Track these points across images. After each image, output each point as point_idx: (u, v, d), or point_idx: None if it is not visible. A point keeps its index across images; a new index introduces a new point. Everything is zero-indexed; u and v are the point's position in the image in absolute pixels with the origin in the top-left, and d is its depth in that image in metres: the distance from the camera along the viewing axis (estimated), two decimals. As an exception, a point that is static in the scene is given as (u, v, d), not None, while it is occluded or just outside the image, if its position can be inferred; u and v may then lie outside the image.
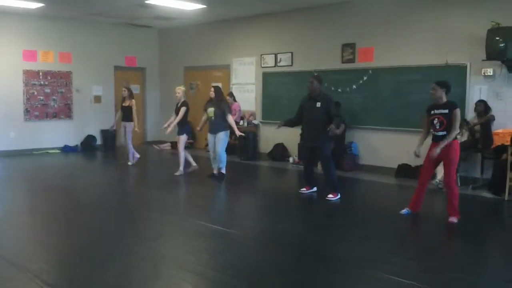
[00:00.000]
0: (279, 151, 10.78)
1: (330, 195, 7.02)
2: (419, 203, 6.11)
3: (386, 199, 7.54)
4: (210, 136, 8.40)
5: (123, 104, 9.96)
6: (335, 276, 4.21)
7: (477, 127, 7.84)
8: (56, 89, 12.09)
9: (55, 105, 12.11)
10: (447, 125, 5.70)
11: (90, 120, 12.50)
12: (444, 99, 5.80)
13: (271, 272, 4.29)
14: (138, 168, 9.92)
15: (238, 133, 8.33)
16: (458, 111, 5.73)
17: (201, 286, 4.07)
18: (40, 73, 11.81)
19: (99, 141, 12.66)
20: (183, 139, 8.95)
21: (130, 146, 9.97)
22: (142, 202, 7.02)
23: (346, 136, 9.62)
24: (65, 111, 12.29)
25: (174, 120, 8.85)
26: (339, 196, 7.05)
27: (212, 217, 6.18)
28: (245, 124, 11.40)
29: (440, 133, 5.77)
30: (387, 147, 9.20)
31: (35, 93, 11.77)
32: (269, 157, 10.86)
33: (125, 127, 9.92)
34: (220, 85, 12.21)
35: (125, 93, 9.95)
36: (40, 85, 11.83)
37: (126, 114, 9.88)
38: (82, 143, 12.39)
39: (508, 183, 6.96)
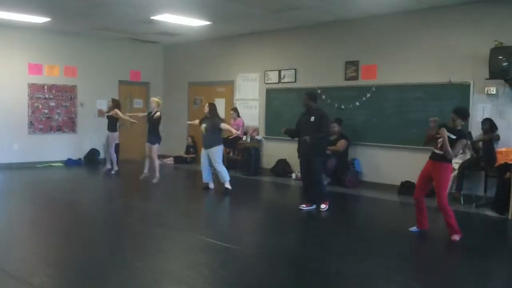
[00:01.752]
0: (282, 167, 10.76)
1: (322, 205, 7.33)
2: (423, 221, 6.07)
3: (388, 216, 7.50)
4: (203, 151, 8.73)
5: (107, 114, 10.67)
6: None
7: (480, 144, 7.83)
8: (61, 103, 12.16)
9: (59, 119, 12.17)
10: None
11: (93, 133, 12.53)
12: (459, 127, 5.85)
13: (272, 288, 4.26)
14: (140, 182, 9.91)
15: (234, 131, 8.78)
16: (463, 141, 5.87)
17: (200, 301, 4.04)
18: (45, 87, 11.89)
19: (102, 155, 12.68)
20: (155, 148, 9.55)
21: (114, 155, 10.68)
22: (143, 216, 7.00)
23: (349, 153, 9.61)
24: (69, 125, 12.35)
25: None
26: (314, 207, 7.38)
27: (213, 232, 6.14)
28: (248, 139, 11.41)
29: (438, 152, 5.82)
30: (389, 164, 9.18)
31: (40, 106, 11.84)
32: (271, 172, 10.84)
33: (109, 137, 10.61)
34: (223, 100, 12.43)
35: (110, 103, 10.69)
36: (45, 98, 11.91)
37: (110, 125, 10.59)
38: (85, 157, 12.41)
39: (511, 202, 6.92)
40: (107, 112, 10.69)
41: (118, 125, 10.72)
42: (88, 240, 5.69)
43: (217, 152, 8.53)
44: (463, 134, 5.93)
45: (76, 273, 4.53)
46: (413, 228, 6.12)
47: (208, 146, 8.53)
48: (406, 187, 8.73)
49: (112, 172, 10.67)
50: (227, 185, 8.56)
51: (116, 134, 10.67)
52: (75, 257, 5.03)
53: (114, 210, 7.48)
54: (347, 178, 9.36)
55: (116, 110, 10.53)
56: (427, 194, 6.14)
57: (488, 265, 5.17)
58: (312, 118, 7.15)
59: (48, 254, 5.12)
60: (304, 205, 7.46)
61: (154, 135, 9.58)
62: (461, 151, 6.16)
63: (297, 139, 7.43)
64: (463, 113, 5.93)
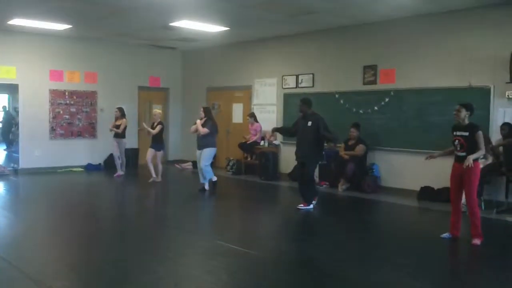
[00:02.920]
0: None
1: (301, 205, 7.69)
2: (457, 226, 5.98)
3: (408, 222, 7.43)
4: (197, 152, 9.13)
5: (116, 123, 11.10)
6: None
7: (501, 149, 7.73)
8: (81, 109, 12.34)
9: (80, 124, 12.34)
10: (467, 147, 5.69)
11: (112, 139, 12.64)
12: (466, 122, 5.80)
13: (290, 294, 4.26)
14: (159, 186, 10.02)
15: (202, 131, 8.95)
16: (480, 134, 5.72)
17: (219, 306, 4.06)
18: (66, 93, 12.08)
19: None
20: (160, 154, 10.45)
21: (123, 159, 11.27)
22: (162, 221, 7.06)
23: (368, 158, 9.56)
24: (89, 130, 12.51)
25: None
26: (311, 206, 7.70)
27: (231, 237, 6.17)
28: (266, 144, 11.43)
29: (461, 154, 5.77)
30: (409, 169, 9.10)
31: (61, 112, 12.03)
32: (289, 177, 10.84)
33: (118, 143, 11.08)
34: (241, 105, 12.49)
35: (117, 113, 11.07)
36: (66, 104, 12.09)
37: (118, 133, 11.03)
38: (105, 162, 12.55)
39: (533, 208, 6.82)
40: (115, 121, 11.16)
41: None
42: (108, 245, 5.76)
43: (208, 153, 9.02)
44: (475, 126, 5.76)
45: (96, 277, 4.59)
46: (446, 235, 6.01)
47: (201, 147, 9.00)
48: (425, 192, 8.65)
49: (121, 173, 11.16)
50: (206, 186, 9.13)
51: (124, 140, 11.17)
52: (95, 261, 5.11)
53: (134, 215, 7.56)
54: (366, 183, 9.30)
55: (125, 120, 11.09)
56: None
57: (510, 271, 5.10)
58: (309, 123, 7.55)
59: (69, 258, 5.19)
60: (301, 205, 7.73)
61: (158, 143, 10.40)
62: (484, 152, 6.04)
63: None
64: (467, 104, 5.85)
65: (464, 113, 5.78)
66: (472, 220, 5.77)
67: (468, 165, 5.55)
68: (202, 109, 9.26)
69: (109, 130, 11.18)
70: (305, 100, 7.78)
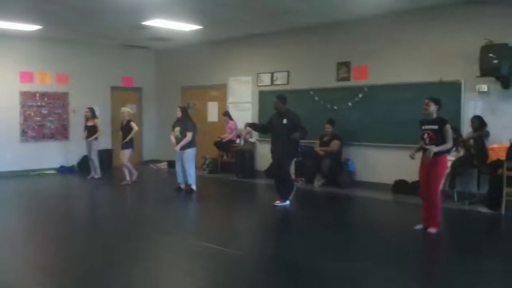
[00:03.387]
0: (276, 169, 10.76)
1: (277, 201, 7.71)
2: (429, 217, 6.08)
3: (383, 215, 7.55)
4: (178, 154, 8.97)
5: (87, 124, 10.87)
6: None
7: (472, 142, 7.89)
8: (53, 110, 12.13)
9: (52, 126, 12.14)
10: (436, 140, 5.82)
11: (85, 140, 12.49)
12: (435, 115, 5.92)
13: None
14: (134, 188, 9.91)
15: (178, 148, 8.84)
16: (448, 127, 5.86)
17: (199, 306, 4.04)
18: (37, 95, 11.86)
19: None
20: (128, 153, 10.01)
21: (96, 162, 10.91)
22: (138, 223, 6.98)
23: (343, 153, 9.65)
24: (62, 132, 12.31)
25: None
26: (287, 202, 7.70)
27: (209, 236, 6.15)
28: (242, 142, 11.43)
29: (429, 147, 5.87)
30: (383, 163, 9.23)
31: (32, 114, 11.81)
32: (265, 175, 10.86)
33: (91, 145, 10.79)
34: (216, 104, 12.46)
35: (88, 113, 10.87)
36: (37, 106, 11.87)
37: (91, 133, 10.79)
38: (78, 164, 12.36)
39: (504, 198, 6.99)
40: (86, 122, 10.91)
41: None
42: (84, 248, 5.67)
43: (190, 154, 8.88)
44: (444, 119, 5.90)
45: (72, 282, 4.51)
46: (419, 226, 6.12)
47: (182, 148, 8.83)
48: (400, 186, 8.79)
49: (96, 176, 10.89)
50: (193, 187, 8.98)
51: (96, 142, 10.88)
52: (70, 266, 5.01)
53: (107, 216, 7.47)
54: (342, 178, 9.39)
55: (97, 120, 10.86)
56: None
57: (483, 261, 5.21)
58: (285, 121, 7.59)
59: (44, 263, 5.08)
60: (278, 202, 7.76)
61: (126, 142, 10.06)
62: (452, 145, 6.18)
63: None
64: (436, 98, 5.99)
65: (432, 107, 5.92)
66: (432, 210, 5.95)
67: (428, 155, 5.68)
68: (179, 108, 9.17)
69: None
70: (281, 97, 7.80)
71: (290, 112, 7.70)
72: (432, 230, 5.93)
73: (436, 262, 5.33)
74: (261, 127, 8.68)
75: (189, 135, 8.80)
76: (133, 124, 10.15)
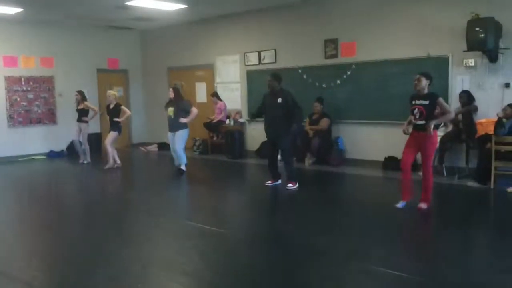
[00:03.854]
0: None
1: (289, 184, 7.50)
2: (409, 191, 6.14)
3: (373, 192, 7.59)
4: (169, 135, 8.92)
5: (78, 108, 10.71)
6: (323, 270, 4.23)
7: (460, 117, 7.92)
8: (39, 95, 11.98)
9: (39, 111, 12.00)
10: (427, 115, 5.82)
11: (74, 124, 12.35)
12: (426, 90, 5.91)
13: (261, 269, 4.31)
14: (124, 170, 9.88)
15: (194, 115, 8.79)
16: (442, 99, 5.88)
17: (192, 286, 4.06)
18: (22, 79, 11.68)
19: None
20: (113, 135, 9.85)
21: (87, 146, 10.83)
22: (129, 205, 6.98)
23: (332, 131, 9.66)
24: (49, 116, 12.18)
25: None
26: (297, 185, 7.50)
27: (200, 217, 6.16)
28: (232, 123, 11.39)
29: (419, 123, 5.88)
30: (373, 140, 9.26)
31: (18, 99, 11.65)
32: (256, 154, 10.86)
33: (81, 128, 10.66)
34: (204, 84, 12.38)
35: (78, 97, 10.68)
36: (23, 91, 11.71)
37: (81, 117, 10.68)
38: (67, 148, 12.26)
39: (493, 172, 7.05)
40: (77, 106, 10.74)
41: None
42: (75, 232, 5.67)
43: (182, 135, 8.80)
44: (435, 94, 5.91)
45: (64, 266, 4.52)
46: (400, 204, 6.09)
47: (174, 129, 8.76)
48: (389, 162, 8.83)
49: (85, 162, 10.77)
50: (183, 167, 8.89)
51: (87, 125, 10.79)
52: (63, 250, 5.01)
53: (98, 200, 7.44)
54: (331, 157, 9.42)
55: (87, 103, 10.70)
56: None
57: (474, 235, 5.28)
58: (279, 100, 7.35)
59: (36, 248, 5.09)
60: (269, 182, 7.74)
61: (112, 124, 9.92)
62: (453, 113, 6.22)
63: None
64: (427, 73, 5.98)
65: (424, 82, 5.89)
66: (425, 185, 5.98)
67: (430, 131, 5.69)
68: (171, 89, 9.01)
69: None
70: (275, 76, 7.54)
71: (284, 91, 7.47)
72: (423, 205, 5.96)
73: (426, 236, 5.38)
74: (259, 112, 7.91)
75: (194, 110, 8.76)
76: (124, 108, 10.05)
